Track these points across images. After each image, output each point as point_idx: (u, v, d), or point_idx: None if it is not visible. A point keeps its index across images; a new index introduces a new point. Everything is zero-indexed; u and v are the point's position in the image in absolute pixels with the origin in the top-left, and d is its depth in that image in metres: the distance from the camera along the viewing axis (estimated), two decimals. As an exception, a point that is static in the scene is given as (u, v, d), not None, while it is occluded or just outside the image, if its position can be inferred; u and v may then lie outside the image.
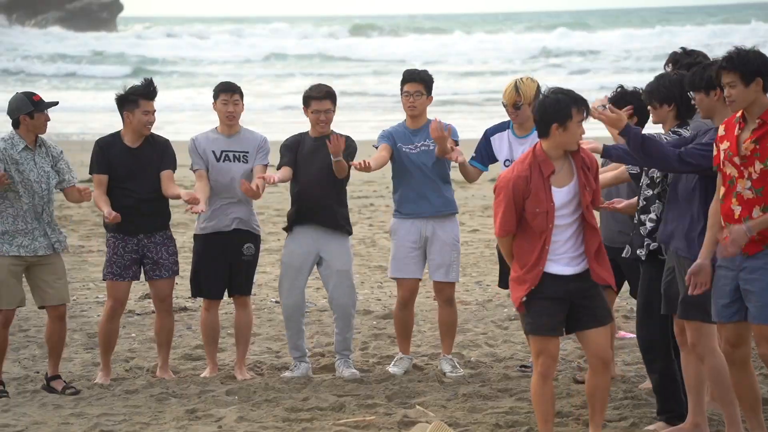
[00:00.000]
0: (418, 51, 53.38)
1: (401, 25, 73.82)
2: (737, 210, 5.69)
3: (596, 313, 5.89)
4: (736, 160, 5.71)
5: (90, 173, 7.96)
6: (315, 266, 8.12)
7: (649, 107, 6.54)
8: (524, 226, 5.86)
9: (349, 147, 7.95)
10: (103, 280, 8.01)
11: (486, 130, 8.07)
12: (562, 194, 5.85)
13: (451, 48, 54.73)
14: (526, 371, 7.99)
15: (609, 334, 6.00)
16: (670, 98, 6.42)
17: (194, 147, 8.08)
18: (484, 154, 8.01)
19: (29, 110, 7.55)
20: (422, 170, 8.01)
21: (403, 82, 8.07)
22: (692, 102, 6.29)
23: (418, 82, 8.02)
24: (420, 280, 8.17)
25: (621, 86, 7.09)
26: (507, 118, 7.99)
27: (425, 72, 8.11)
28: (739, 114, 5.77)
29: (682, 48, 7.04)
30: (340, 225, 8.02)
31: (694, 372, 6.26)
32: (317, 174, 7.93)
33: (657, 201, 6.40)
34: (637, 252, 6.42)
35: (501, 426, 6.66)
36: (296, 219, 8.06)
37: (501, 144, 7.95)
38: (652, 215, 6.40)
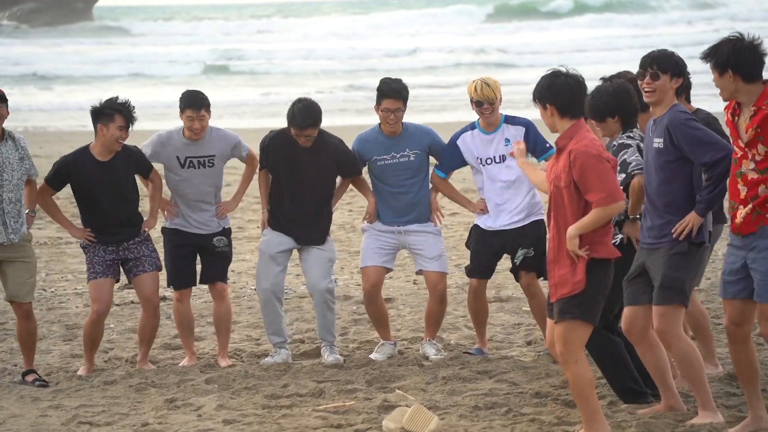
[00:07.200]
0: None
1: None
2: (743, 190, 5.81)
3: None
4: (740, 142, 5.83)
5: (45, 180, 7.83)
6: (295, 253, 8.09)
7: (594, 124, 6.58)
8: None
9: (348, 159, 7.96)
10: (88, 282, 7.90)
11: (453, 135, 8.03)
12: None
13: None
14: (470, 354, 8.01)
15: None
16: (613, 111, 6.51)
17: (159, 144, 7.96)
18: (449, 163, 8.03)
19: None
20: (398, 179, 8.00)
21: (381, 98, 7.91)
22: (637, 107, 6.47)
23: (397, 99, 7.89)
24: (387, 270, 8.11)
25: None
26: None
27: (403, 87, 7.91)
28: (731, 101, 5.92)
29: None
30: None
31: (653, 359, 6.33)
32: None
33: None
34: None
35: (480, 408, 6.67)
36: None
37: (469, 143, 7.93)
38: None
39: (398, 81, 7.96)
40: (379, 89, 7.93)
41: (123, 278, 8.13)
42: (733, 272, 5.85)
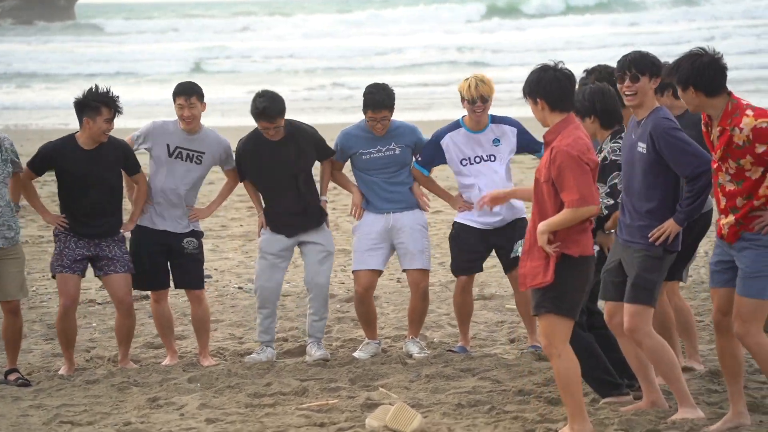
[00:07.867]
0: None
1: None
2: (723, 201, 5.88)
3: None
4: (714, 156, 5.88)
5: (27, 164, 7.77)
6: (294, 250, 8.08)
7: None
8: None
9: (314, 137, 7.95)
10: (53, 275, 7.85)
11: (436, 133, 8.02)
12: None
13: None
14: (453, 352, 8.00)
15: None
16: (588, 111, 6.50)
17: (153, 128, 7.94)
18: (430, 160, 8.02)
19: None
20: (385, 173, 8.01)
21: (366, 108, 7.89)
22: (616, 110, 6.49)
23: (382, 110, 7.89)
24: (379, 273, 8.11)
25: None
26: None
27: (388, 95, 7.88)
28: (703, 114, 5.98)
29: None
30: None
31: (634, 353, 6.36)
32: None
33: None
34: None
35: (463, 405, 6.66)
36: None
37: (455, 145, 7.93)
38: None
39: (383, 90, 7.90)
40: (364, 99, 7.94)
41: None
42: (721, 262, 5.93)
